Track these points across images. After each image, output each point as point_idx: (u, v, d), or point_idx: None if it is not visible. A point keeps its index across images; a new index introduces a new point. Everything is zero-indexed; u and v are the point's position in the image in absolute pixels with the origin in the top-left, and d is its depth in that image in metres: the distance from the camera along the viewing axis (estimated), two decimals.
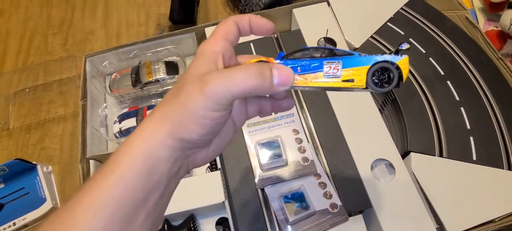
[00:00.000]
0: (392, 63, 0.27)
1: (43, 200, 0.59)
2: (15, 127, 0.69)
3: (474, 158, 0.51)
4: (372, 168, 0.51)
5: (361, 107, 0.56)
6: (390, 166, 0.51)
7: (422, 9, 0.65)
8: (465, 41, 0.62)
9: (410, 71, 0.58)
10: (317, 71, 0.28)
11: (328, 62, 0.28)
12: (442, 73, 0.58)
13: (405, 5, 0.66)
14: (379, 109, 0.61)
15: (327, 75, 0.28)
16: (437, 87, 0.56)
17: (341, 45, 0.62)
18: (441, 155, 0.51)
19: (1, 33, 0.84)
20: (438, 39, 0.61)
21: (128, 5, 0.86)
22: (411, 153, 0.51)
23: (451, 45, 0.61)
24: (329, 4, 0.67)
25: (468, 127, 0.53)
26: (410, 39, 0.61)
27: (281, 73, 0.25)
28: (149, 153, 0.22)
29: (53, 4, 0.88)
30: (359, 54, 0.28)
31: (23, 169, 0.61)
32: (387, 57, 0.27)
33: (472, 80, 0.58)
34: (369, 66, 0.27)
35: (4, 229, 0.57)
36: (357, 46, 0.61)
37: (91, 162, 0.56)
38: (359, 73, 0.27)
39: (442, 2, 0.68)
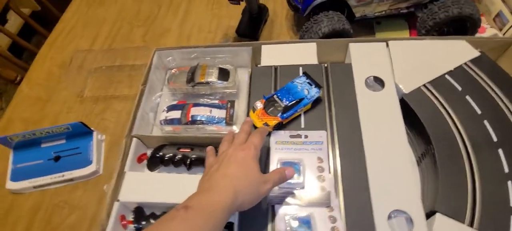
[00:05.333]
0: None
1: (89, 163, 0.67)
2: (87, 96, 0.81)
3: None
4: (389, 217, 0.48)
5: (395, 153, 0.53)
6: (410, 220, 0.47)
7: (489, 68, 0.60)
8: None
9: (458, 131, 0.54)
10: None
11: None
12: (495, 140, 0.52)
13: (470, 61, 0.61)
14: (417, 160, 0.58)
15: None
16: (485, 154, 0.51)
17: (389, 88, 0.60)
18: (471, 225, 0.46)
19: (99, 19, 0.98)
20: (499, 102, 0.56)
21: (205, 13, 0.94)
22: (437, 213, 0.47)
23: None
24: (387, 45, 0.66)
25: None
26: (467, 97, 0.57)
27: (289, 173, 0.49)
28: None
29: (145, 0, 1.01)
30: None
31: (82, 131, 0.70)
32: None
33: None
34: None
35: (55, 177, 0.66)
36: (406, 91, 0.59)
37: (134, 139, 0.62)
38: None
39: None
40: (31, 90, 0.84)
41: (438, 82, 0.60)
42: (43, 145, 0.70)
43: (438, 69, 0.61)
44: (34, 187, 0.67)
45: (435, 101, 0.58)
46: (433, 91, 0.59)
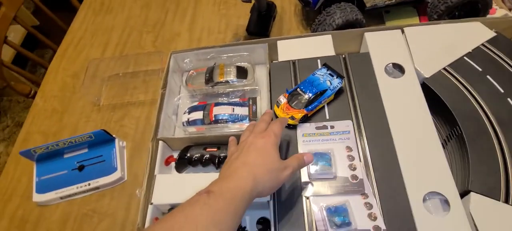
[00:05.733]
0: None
1: (114, 169, 0.67)
2: (104, 104, 0.81)
3: None
4: (424, 200, 0.49)
5: (422, 137, 0.54)
6: (445, 202, 0.48)
7: (506, 47, 0.61)
8: None
9: (483, 110, 0.55)
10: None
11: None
12: None
13: (487, 41, 0.62)
14: (442, 143, 0.59)
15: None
16: None
17: (410, 73, 0.61)
18: (507, 202, 0.47)
19: (108, 27, 0.98)
20: None
21: (213, 14, 0.95)
22: (472, 192, 0.48)
23: None
24: (403, 32, 0.67)
25: None
26: (488, 76, 0.58)
27: (308, 159, 0.49)
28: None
29: (152, 7, 1.01)
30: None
31: (105, 139, 0.70)
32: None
33: None
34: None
35: (80, 186, 0.66)
36: (426, 75, 0.60)
37: (160, 142, 0.63)
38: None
39: None
40: (46, 103, 0.84)
41: (458, 65, 0.61)
42: (65, 156, 0.70)
43: (456, 52, 0.62)
44: (61, 198, 0.67)
45: (457, 83, 0.58)
46: (454, 73, 0.59)
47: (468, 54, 0.62)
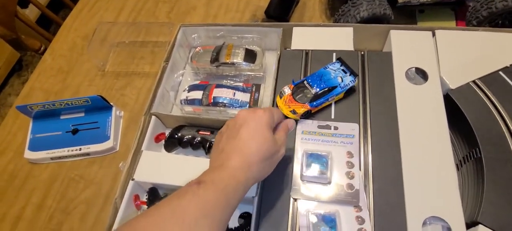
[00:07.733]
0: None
1: (107, 138, 0.65)
2: (109, 70, 0.79)
3: None
4: (424, 224, 0.43)
5: (435, 153, 0.48)
6: (447, 230, 0.42)
7: None
8: None
9: (510, 135, 0.48)
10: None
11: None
12: None
13: None
14: (457, 164, 0.53)
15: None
16: None
17: (433, 81, 0.54)
18: None
19: None
20: None
21: None
22: (480, 225, 0.42)
23: None
24: (434, 34, 0.60)
25: None
26: None
27: (291, 125, 0.48)
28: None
29: None
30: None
31: (102, 106, 0.68)
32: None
33: None
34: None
35: (72, 150, 0.65)
36: (452, 86, 0.53)
37: (153, 117, 0.60)
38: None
39: None
40: (54, 61, 0.83)
41: (490, 79, 0.53)
42: (62, 117, 0.69)
43: (491, 65, 0.55)
44: (51, 158, 0.66)
45: (486, 100, 0.51)
46: (484, 88, 0.52)
47: (505, 69, 0.54)
